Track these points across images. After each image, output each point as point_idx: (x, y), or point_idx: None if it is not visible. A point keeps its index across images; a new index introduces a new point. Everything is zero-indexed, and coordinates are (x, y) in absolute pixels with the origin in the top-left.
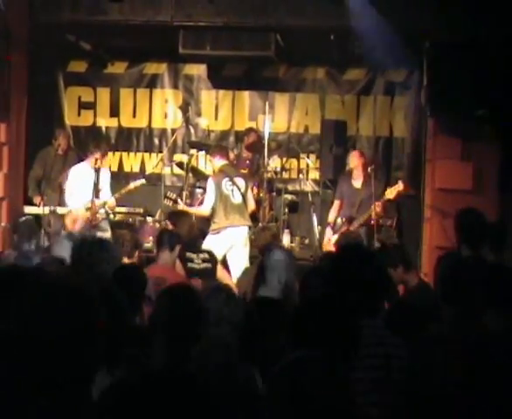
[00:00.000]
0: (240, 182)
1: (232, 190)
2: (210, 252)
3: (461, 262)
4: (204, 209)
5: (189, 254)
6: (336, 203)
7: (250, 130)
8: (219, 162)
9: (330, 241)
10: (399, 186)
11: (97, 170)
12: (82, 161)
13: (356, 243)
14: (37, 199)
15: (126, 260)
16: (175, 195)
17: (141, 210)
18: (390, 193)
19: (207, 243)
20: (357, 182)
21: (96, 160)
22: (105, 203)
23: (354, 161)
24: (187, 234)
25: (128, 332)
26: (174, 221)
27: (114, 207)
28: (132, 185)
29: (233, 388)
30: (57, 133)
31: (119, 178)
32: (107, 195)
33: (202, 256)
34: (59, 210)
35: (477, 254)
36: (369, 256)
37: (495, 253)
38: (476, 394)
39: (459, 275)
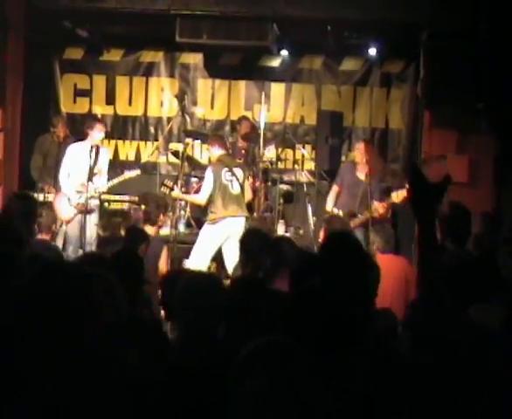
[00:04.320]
0: (239, 172)
1: (231, 181)
2: None
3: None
4: (200, 198)
5: None
6: (335, 189)
7: (242, 118)
8: (218, 152)
9: None
10: (406, 192)
11: (97, 149)
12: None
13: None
14: (46, 187)
15: None
16: (172, 183)
17: (137, 199)
18: (397, 197)
19: (203, 233)
20: (361, 174)
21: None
22: (98, 193)
23: (360, 154)
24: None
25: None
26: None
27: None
28: (126, 175)
29: None
30: (55, 120)
31: (114, 166)
32: (103, 180)
33: None
34: (51, 198)
35: (461, 248)
36: (355, 245)
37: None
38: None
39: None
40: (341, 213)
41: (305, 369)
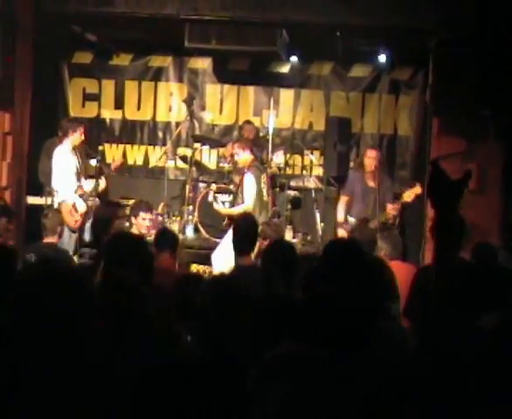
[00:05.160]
0: (265, 178)
1: (265, 187)
2: None
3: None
4: (247, 205)
5: None
6: (344, 199)
7: (245, 123)
8: (250, 156)
9: None
10: (417, 189)
11: (78, 149)
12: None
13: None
14: (54, 191)
15: None
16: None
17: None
18: (408, 196)
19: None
20: (370, 181)
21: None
22: (97, 186)
23: (371, 161)
24: None
25: None
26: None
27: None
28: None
29: None
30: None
31: (122, 170)
32: (89, 182)
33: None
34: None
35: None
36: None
37: None
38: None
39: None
40: (353, 220)
41: (325, 374)
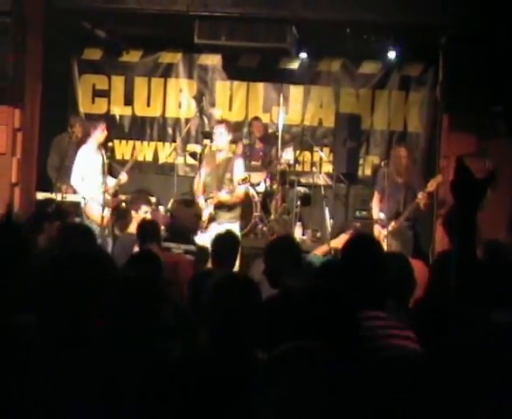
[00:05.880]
0: None
1: None
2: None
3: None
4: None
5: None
6: (377, 197)
7: (253, 119)
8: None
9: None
10: (439, 178)
11: (105, 147)
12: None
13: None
14: (63, 187)
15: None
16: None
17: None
18: (431, 185)
19: None
20: (399, 178)
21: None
22: (119, 181)
23: (400, 159)
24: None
25: None
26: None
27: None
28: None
29: None
30: (72, 120)
31: (131, 167)
32: (111, 179)
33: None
34: (70, 198)
35: None
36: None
37: None
38: None
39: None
40: (383, 216)
41: (330, 374)
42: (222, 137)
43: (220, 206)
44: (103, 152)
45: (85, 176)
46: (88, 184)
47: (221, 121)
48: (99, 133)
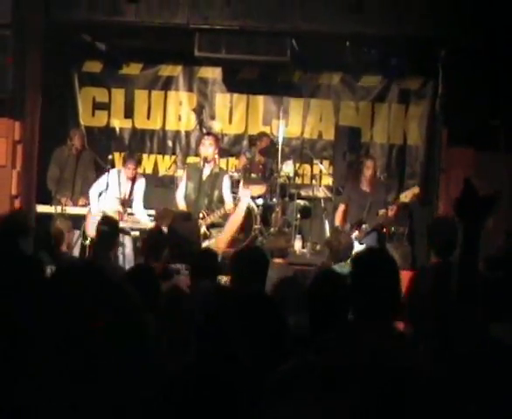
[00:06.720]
0: None
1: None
2: None
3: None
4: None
5: None
6: (341, 207)
7: (263, 135)
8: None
9: None
10: (415, 189)
11: (133, 180)
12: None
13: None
14: (63, 199)
15: None
16: None
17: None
18: (406, 196)
19: None
20: (365, 187)
21: (132, 170)
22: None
23: (369, 170)
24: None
25: None
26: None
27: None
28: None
29: None
30: (72, 133)
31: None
32: (138, 206)
33: None
34: (69, 210)
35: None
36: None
37: None
38: None
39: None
40: (348, 225)
41: (335, 389)
42: (210, 148)
43: (212, 225)
44: (129, 183)
45: (104, 194)
46: (102, 203)
47: (209, 134)
48: (127, 172)
